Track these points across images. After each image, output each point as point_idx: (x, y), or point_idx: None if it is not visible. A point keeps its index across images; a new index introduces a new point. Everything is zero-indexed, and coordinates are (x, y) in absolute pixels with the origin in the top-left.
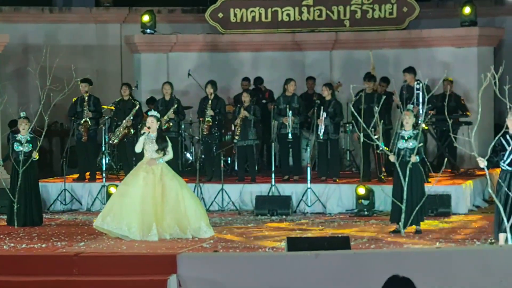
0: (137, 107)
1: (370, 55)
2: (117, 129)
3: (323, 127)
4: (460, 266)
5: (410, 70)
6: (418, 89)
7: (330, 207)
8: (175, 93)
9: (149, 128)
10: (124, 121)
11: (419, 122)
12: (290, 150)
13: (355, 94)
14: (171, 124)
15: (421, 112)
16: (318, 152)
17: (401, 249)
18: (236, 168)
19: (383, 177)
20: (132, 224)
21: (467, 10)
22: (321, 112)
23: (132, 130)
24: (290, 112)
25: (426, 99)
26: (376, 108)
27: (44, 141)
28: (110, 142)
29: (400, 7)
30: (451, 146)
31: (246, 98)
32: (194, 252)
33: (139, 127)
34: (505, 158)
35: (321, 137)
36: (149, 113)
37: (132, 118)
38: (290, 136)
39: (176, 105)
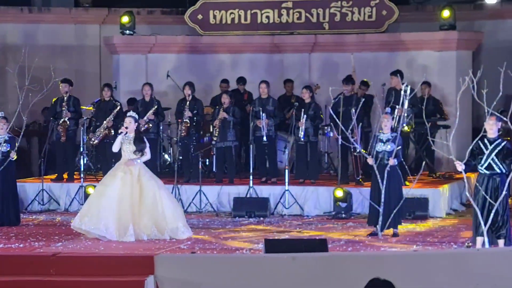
0: (118, 108)
1: (351, 58)
2: (97, 129)
3: (303, 129)
4: (437, 270)
5: (397, 73)
6: (405, 92)
7: (307, 210)
8: (155, 94)
9: (126, 128)
10: (104, 121)
11: (403, 124)
12: (266, 152)
13: (334, 97)
14: (150, 125)
15: (405, 115)
16: (296, 154)
17: (379, 252)
18: (214, 169)
19: (360, 180)
20: (109, 225)
21: (446, 13)
22: (302, 114)
23: (112, 131)
24: (264, 114)
25: (410, 102)
26: (353, 110)
27: (22, 141)
28: (91, 142)
29: (379, 10)
30: (429, 150)
31: (225, 99)
32: (171, 253)
33: (119, 127)
34: (482, 162)
35: (302, 139)
36: (128, 113)
37: (113, 119)
38: (265, 138)
39: (156, 106)
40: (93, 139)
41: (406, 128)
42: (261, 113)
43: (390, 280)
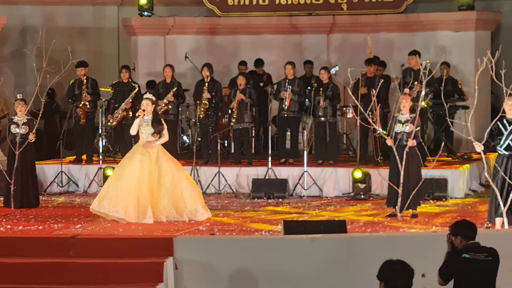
0: (136, 89)
1: (368, 39)
2: (115, 111)
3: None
4: None
5: (416, 53)
6: (425, 69)
7: (326, 191)
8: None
9: (144, 111)
10: (123, 103)
11: (418, 103)
12: (288, 133)
13: (355, 78)
14: (169, 106)
15: (423, 92)
16: (315, 135)
17: (397, 233)
18: (232, 151)
19: (379, 160)
20: (129, 207)
21: None
22: (320, 92)
23: (130, 113)
24: (289, 87)
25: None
26: (374, 91)
27: (41, 123)
28: (109, 124)
29: None
30: (448, 130)
31: (241, 81)
32: (190, 235)
33: (137, 109)
34: (501, 142)
35: (285, 109)
36: (145, 95)
37: (131, 100)
38: (285, 107)
39: (176, 88)
40: (111, 121)
41: (423, 104)
42: (287, 86)
43: (409, 260)
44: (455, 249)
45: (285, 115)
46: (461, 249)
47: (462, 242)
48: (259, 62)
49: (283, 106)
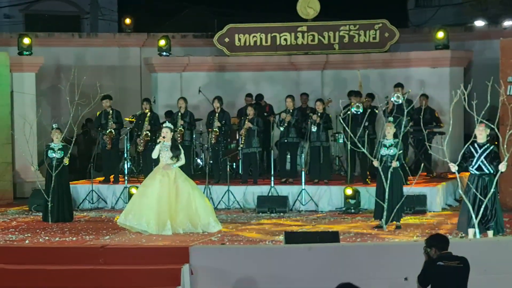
0: (149, 113)
1: (358, 74)
2: (140, 137)
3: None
4: None
5: (399, 85)
6: (407, 102)
7: (321, 206)
8: (188, 107)
9: (164, 137)
10: (143, 130)
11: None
12: (288, 156)
13: (343, 107)
14: (182, 130)
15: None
16: (311, 157)
17: (383, 242)
18: (240, 171)
19: (368, 180)
20: (150, 221)
21: (440, 35)
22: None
23: (149, 134)
24: (288, 110)
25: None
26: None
27: (74, 149)
28: (138, 149)
29: (382, 33)
30: (426, 153)
31: (250, 111)
32: (204, 244)
33: (157, 135)
34: (473, 163)
35: (281, 129)
36: (164, 124)
37: (148, 124)
38: (282, 129)
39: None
40: (139, 146)
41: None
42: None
43: (393, 266)
44: (431, 258)
45: (286, 141)
46: (436, 258)
47: (436, 252)
48: (259, 97)
49: (283, 132)
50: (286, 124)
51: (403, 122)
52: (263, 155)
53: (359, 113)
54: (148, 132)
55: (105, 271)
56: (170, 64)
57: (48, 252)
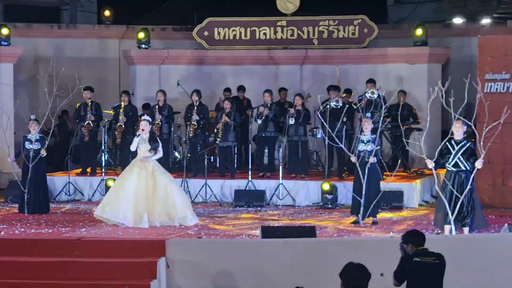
0: (123, 105)
1: (337, 70)
2: (116, 131)
3: (263, 116)
4: None
5: (371, 81)
6: (380, 97)
7: (298, 201)
8: (166, 100)
9: (143, 130)
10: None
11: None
12: (266, 150)
13: (322, 102)
14: (159, 123)
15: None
16: (289, 152)
17: (360, 237)
18: (217, 165)
19: (344, 176)
20: (127, 213)
21: (419, 31)
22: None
23: (123, 125)
24: (266, 104)
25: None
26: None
27: (51, 140)
28: (116, 142)
29: (361, 29)
30: (403, 149)
31: (227, 105)
32: (181, 238)
33: (135, 128)
34: (450, 160)
35: (259, 122)
36: (143, 117)
37: (125, 116)
38: (259, 122)
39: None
40: (117, 139)
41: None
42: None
43: (369, 262)
44: (407, 254)
45: (264, 135)
46: (412, 254)
47: (412, 249)
48: (241, 88)
49: (263, 128)
50: (263, 118)
51: (381, 118)
52: (241, 149)
53: (338, 107)
54: (122, 124)
55: (81, 264)
56: (149, 56)
57: (24, 244)
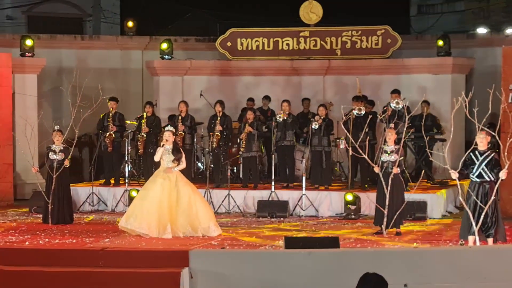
0: (145, 116)
1: (357, 80)
2: (138, 142)
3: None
4: (434, 264)
5: (396, 91)
6: (404, 108)
7: (322, 211)
8: (189, 111)
9: (166, 141)
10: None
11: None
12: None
13: (345, 114)
14: (182, 134)
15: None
16: (312, 162)
17: (383, 248)
18: (241, 176)
19: (366, 186)
20: (151, 224)
21: (442, 42)
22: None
23: (144, 135)
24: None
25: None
26: (363, 125)
27: (75, 151)
28: (139, 153)
29: (384, 39)
30: (427, 160)
31: (250, 115)
32: (204, 248)
33: (158, 138)
34: (474, 171)
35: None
36: (166, 128)
37: (146, 126)
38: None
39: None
40: (139, 149)
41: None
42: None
43: (392, 273)
44: None
45: (282, 144)
46: None
47: None
48: (266, 98)
49: (284, 139)
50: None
51: (404, 129)
52: (265, 159)
53: (361, 115)
54: (144, 134)
55: (105, 274)
56: (172, 67)
57: (48, 254)
